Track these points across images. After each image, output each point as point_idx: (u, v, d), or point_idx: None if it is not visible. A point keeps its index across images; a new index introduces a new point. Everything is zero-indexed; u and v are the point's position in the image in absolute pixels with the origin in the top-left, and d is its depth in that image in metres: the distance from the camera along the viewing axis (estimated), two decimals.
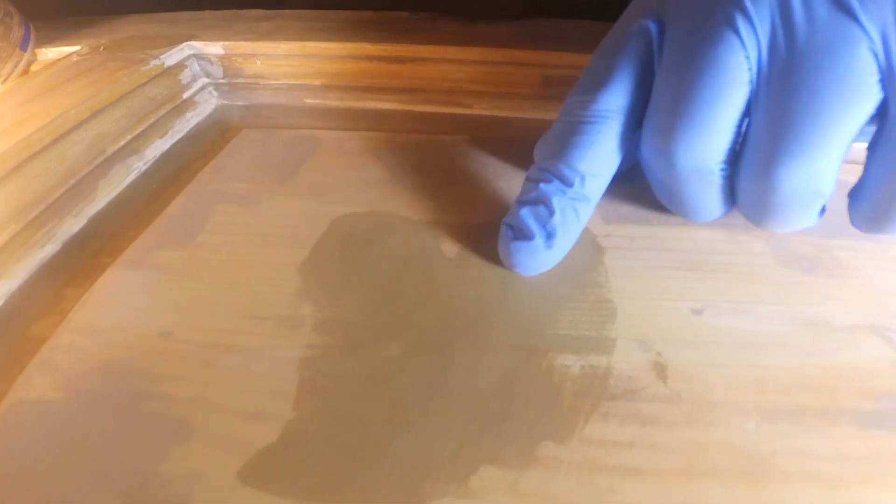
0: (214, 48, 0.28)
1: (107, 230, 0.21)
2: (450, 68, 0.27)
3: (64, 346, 0.16)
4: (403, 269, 0.18)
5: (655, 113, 0.16)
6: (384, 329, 0.16)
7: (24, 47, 0.28)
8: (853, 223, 0.16)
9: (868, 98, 0.13)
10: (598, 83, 0.17)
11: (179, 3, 0.34)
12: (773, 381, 0.14)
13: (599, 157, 0.17)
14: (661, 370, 0.15)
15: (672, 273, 0.18)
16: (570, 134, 0.17)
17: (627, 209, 0.20)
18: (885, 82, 0.13)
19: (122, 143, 0.23)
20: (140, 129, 0.24)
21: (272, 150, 0.25)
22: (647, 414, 0.14)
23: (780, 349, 0.15)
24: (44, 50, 0.30)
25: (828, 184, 0.14)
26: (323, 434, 0.13)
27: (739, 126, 0.15)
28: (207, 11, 0.33)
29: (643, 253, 0.18)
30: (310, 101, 0.29)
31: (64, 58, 0.27)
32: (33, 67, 0.29)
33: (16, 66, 0.27)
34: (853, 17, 0.13)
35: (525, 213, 0.17)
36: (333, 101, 0.29)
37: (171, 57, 0.27)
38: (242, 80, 0.30)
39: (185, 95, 0.28)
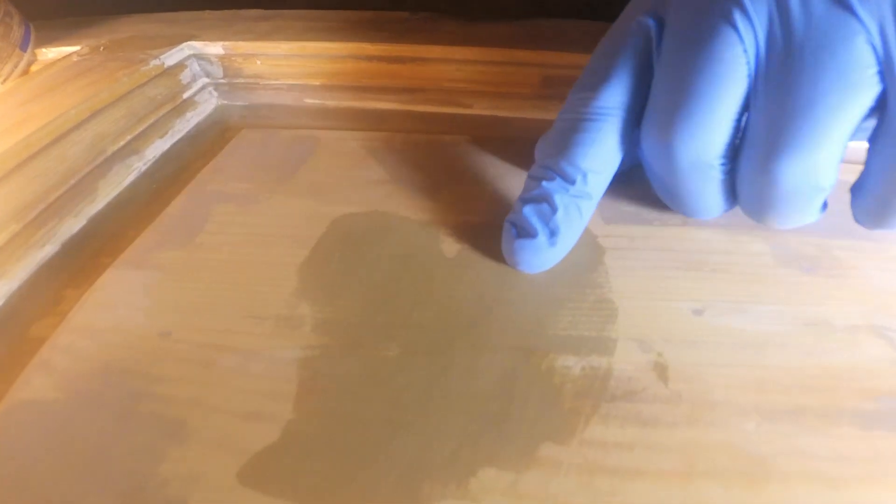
0: (214, 48, 0.28)
1: (107, 230, 0.21)
2: (450, 68, 0.27)
3: (63, 347, 0.16)
4: (403, 268, 0.18)
5: (655, 108, 0.16)
6: (383, 329, 0.16)
7: (24, 47, 0.28)
8: (856, 219, 0.16)
9: (867, 90, 0.13)
10: (598, 80, 0.17)
11: (179, 3, 0.34)
12: (773, 381, 0.14)
13: (601, 154, 0.17)
14: (661, 371, 0.15)
15: (672, 273, 0.18)
16: (571, 131, 0.17)
17: (627, 209, 0.20)
18: (883, 74, 0.13)
19: (122, 143, 0.23)
20: (140, 129, 0.24)
21: (272, 150, 0.25)
22: (647, 415, 0.14)
23: (780, 349, 0.15)
24: (44, 50, 0.30)
25: (828, 177, 0.14)
26: (322, 434, 0.13)
27: (738, 120, 0.15)
28: (207, 11, 0.33)
29: (643, 253, 0.18)
30: (309, 101, 0.29)
31: (64, 58, 0.27)
32: (33, 67, 0.29)
33: (16, 66, 0.27)
34: (850, 9, 0.13)
35: (528, 210, 0.17)
36: (333, 101, 0.29)
37: (171, 57, 0.27)
38: (242, 80, 0.30)
39: (185, 95, 0.28)
